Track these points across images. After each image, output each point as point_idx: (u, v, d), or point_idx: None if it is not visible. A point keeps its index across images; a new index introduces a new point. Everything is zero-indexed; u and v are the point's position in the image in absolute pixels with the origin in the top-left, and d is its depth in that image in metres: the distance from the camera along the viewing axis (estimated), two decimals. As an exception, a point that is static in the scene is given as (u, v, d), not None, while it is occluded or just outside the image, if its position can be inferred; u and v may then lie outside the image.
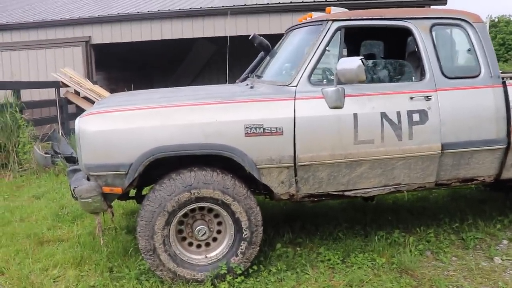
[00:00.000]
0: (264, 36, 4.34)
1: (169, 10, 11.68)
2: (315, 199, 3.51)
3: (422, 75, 3.53)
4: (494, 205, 4.76)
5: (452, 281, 3.34)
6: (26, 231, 4.45)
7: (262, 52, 4.39)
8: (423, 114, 3.40)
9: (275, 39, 4.35)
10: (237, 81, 4.52)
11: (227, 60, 5.35)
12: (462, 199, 5.13)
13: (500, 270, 3.49)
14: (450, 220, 4.35)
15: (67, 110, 9.90)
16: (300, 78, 3.33)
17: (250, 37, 4.20)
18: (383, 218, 4.47)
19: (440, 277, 3.39)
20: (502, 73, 4.06)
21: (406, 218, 4.47)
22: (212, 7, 11.49)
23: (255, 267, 3.42)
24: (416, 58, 3.60)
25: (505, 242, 3.98)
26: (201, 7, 11.56)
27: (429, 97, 3.44)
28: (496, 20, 43.77)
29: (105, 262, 3.63)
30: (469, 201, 5.02)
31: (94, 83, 11.01)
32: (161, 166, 3.23)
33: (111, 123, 3.17)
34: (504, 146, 3.59)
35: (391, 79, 3.67)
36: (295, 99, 3.25)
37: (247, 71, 4.50)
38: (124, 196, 3.71)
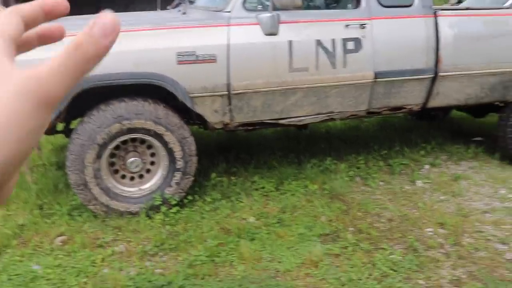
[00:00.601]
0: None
1: None
2: (250, 128, 3.51)
3: (358, 2, 3.50)
4: (419, 133, 5.02)
5: (379, 204, 3.54)
6: None
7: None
8: (358, 42, 3.41)
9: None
10: (168, 7, 4.28)
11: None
12: (391, 128, 5.36)
13: (421, 192, 3.74)
14: (379, 147, 4.53)
15: None
16: (235, 3, 3.20)
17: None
18: (316, 146, 4.59)
19: (368, 200, 3.57)
20: None
21: (338, 146, 4.60)
22: None
23: (190, 197, 3.41)
24: (352, -16, 3.55)
25: (427, 167, 4.24)
26: None
27: (364, 25, 3.44)
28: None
29: (35, 199, 3.47)
30: (397, 130, 5.26)
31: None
32: (90, 98, 3.06)
33: (35, 52, 2.90)
34: (432, 75, 3.71)
35: (327, 6, 3.62)
36: (229, 25, 3.14)
37: (179, -4, 4.26)
38: (51, 130, 3.51)
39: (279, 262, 2.78)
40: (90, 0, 14.99)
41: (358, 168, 4.14)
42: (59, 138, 4.56)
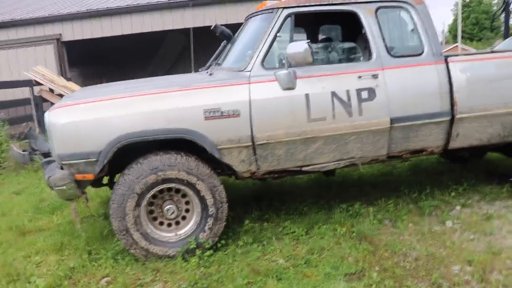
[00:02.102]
0: (232, 25, 4.53)
1: (137, 4, 11.76)
2: (275, 176, 3.77)
3: (369, 55, 3.79)
4: (452, 176, 5.06)
5: (406, 244, 3.60)
6: (8, 224, 4.63)
7: (225, 41, 4.60)
8: (371, 92, 3.66)
9: (239, 27, 4.55)
10: (200, 69, 4.73)
11: (191, 50, 5.54)
12: (423, 172, 5.42)
13: (450, 232, 3.78)
14: (409, 191, 4.62)
15: (42, 108, 9.97)
16: (254, 63, 3.57)
17: (211, 27, 4.41)
18: (347, 192, 4.74)
19: (395, 241, 3.65)
20: (476, 52, 4.28)
21: (368, 192, 4.74)
22: (179, -1, 11.61)
23: (223, 242, 3.66)
24: (364, 39, 3.85)
25: (458, 208, 4.26)
26: (168, 0, 11.67)
27: (376, 76, 3.70)
28: (468, 0, 44.30)
29: (84, 246, 3.85)
30: (429, 173, 5.32)
31: (68, 79, 11.09)
32: (130, 153, 3.45)
33: (79, 114, 3.37)
34: (449, 118, 3.87)
35: (341, 61, 3.92)
36: (250, 83, 3.49)
37: (211, 60, 4.71)
38: (97, 183, 3.94)
39: (304, 299, 2.93)
40: (140, 64, 15.92)
41: (387, 211, 4.23)
42: (106, 191, 5.01)
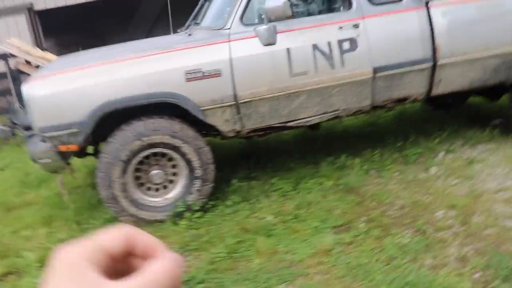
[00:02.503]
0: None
1: (111, -35, 11.34)
2: (261, 133, 3.75)
3: (349, 4, 3.71)
4: (436, 122, 5.08)
5: (392, 193, 3.66)
6: (-6, 201, 4.59)
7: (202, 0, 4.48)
8: (353, 42, 3.61)
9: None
10: (178, 30, 4.61)
11: (169, 10, 5.38)
12: (407, 121, 5.43)
13: (434, 179, 3.83)
14: (394, 140, 4.63)
15: (20, 81, 9.71)
16: (233, 20, 3.48)
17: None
18: (333, 145, 4.74)
19: (381, 191, 3.71)
20: None
21: (354, 143, 4.74)
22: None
23: (212, 203, 3.68)
24: (343, -12, 3.76)
25: (441, 154, 4.30)
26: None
27: (357, 25, 3.63)
28: None
29: (73, 216, 3.82)
30: (413, 122, 5.33)
31: (44, 50, 10.77)
32: (114, 121, 3.39)
33: (58, 85, 3.29)
34: (431, 64, 3.85)
35: (321, 12, 3.84)
36: (229, 41, 3.42)
37: (189, 20, 4.58)
38: (81, 153, 3.88)
39: (294, 253, 2.97)
40: (117, 30, 15.53)
41: (373, 161, 4.26)
42: (92, 161, 4.95)
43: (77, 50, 10.25)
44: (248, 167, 4.40)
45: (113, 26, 15.63)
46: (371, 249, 2.91)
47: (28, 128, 4.90)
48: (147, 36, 15.31)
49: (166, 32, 5.54)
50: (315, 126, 4.07)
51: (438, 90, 4.00)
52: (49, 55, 10.09)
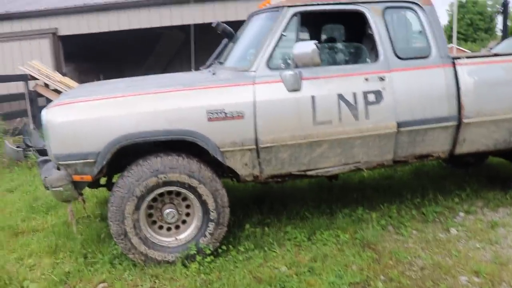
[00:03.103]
0: (232, 22, 4.43)
1: (136, -1, 11.63)
2: (279, 180, 3.66)
3: (376, 56, 3.70)
4: (454, 180, 4.99)
5: (411, 253, 3.53)
6: (0, 224, 4.50)
7: (226, 39, 4.50)
8: (378, 94, 3.57)
9: (241, 24, 4.44)
10: (201, 68, 4.61)
11: (192, 48, 5.43)
12: (425, 176, 5.35)
13: (455, 240, 3.71)
14: (412, 196, 4.55)
15: (37, 103, 9.82)
16: (259, 63, 3.46)
17: (213, 24, 4.30)
18: (349, 196, 4.66)
19: (400, 249, 3.57)
20: (471, 53, 4.24)
21: (370, 196, 4.66)
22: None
23: (224, 247, 3.56)
24: (371, 40, 3.75)
25: (461, 214, 4.20)
26: (167, -5, 11.54)
27: (383, 78, 3.60)
28: (464, 0, 44.34)
29: (80, 249, 3.73)
30: (431, 178, 5.25)
31: (64, 75, 10.92)
32: (129, 154, 3.33)
33: (78, 113, 3.25)
34: (456, 123, 3.79)
35: (347, 62, 3.82)
36: (254, 84, 3.38)
37: (211, 58, 4.60)
38: (95, 184, 3.82)
39: (308, 309, 2.84)
40: (136, 60, 15.76)
41: (390, 217, 4.15)
42: (103, 192, 4.89)
43: (96, 77, 10.39)
44: (261, 212, 4.29)
45: (132, 57, 15.92)
46: (390, 312, 2.77)
47: (41, 151, 4.87)
48: (164, 70, 15.60)
49: (183, 68, 5.58)
50: (333, 177, 3.99)
51: (462, 149, 3.92)
52: (67, 80, 10.23)
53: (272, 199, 4.63)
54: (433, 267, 3.30)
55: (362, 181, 5.28)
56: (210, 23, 4.36)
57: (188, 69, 5.60)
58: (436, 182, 5.00)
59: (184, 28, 12.41)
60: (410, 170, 5.59)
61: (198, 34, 11.14)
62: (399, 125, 3.64)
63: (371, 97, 3.54)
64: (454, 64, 3.78)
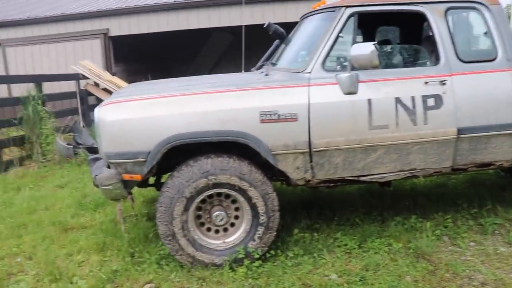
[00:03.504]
0: (280, 24, 4.36)
1: (185, 0, 11.75)
2: (331, 185, 3.55)
3: (437, 59, 3.52)
4: (514, 191, 4.72)
5: (469, 266, 3.35)
6: (51, 219, 4.60)
7: (278, 40, 4.43)
8: (438, 99, 3.39)
9: (291, 27, 4.37)
10: (252, 69, 4.56)
11: (243, 49, 5.39)
12: (481, 185, 5.09)
13: (519, 255, 3.49)
14: (468, 205, 4.32)
15: (87, 102, 10.07)
16: (314, 64, 3.36)
17: (265, 25, 4.23)
18: (401, 203, 4.48)
19: (457, 261, 3.40)
20: None
21: (423, 204, 4.46)
22: (227, -4, 11.52)
23: (272, 252, 3.48)
24: (431, 42, 3.58)
25: (524, 227, 3.96)
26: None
27: (444, 82, 3.43)
28: (519, 3, 42.41)
29: (127, 247, 3.74)
30: (488, 187, 4.98)
31: (113, 74, 11.17)
32: (179, 153, 3.31)
33: (129, 112, 3.25)
34: (522, 130, 3.56)
35: (405, 64, 3.67)
36: (309, 86, 3.29)
37: (262, 59, 4.54)
38: (143, 183, 3.82)
39: (361, 321, 2.72)
40: (183, 62, 15.94)
41: (445, 227, 3.96)
42: (150, 191, 4.91)
43: (144, 78, 10.55)
44: (310, 217, 4.18)
45: (179, 58, 16.15)
46: (450, 330, 2.60)
47: (90, 149, 4.95)
48: (210, 72, 15.71)
49: (229, 70, 5.55)
50: (386, 183, 3.83)
51: (527, 158, 3.68)
52: (117, 80, 10.44)
53: (321, 204, 4.51)
54: (496, 283, 3.11)
55: (414, 188, 5.08)
56: (258, 25, 4.29)
57: (235, 70, 5.57)
58: (495, 192, 4.73)
59: (232, 29, 12.45)
60: (464, 179, 5.33)
61: (247, 36, 11.12)
62: (460, 131, 3.45)
63: (431, 102, 3.37)
64: (522, 68, 3.54)
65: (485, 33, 3.61)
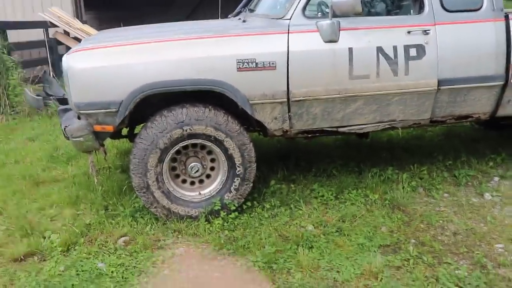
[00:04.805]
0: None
1: None
2: (309, 135, 3.50)
3: (420, 8, 3.41)
4: (488, 144, 4.76)
5: (443, 216, 3.40)
6: (22, 173, 4.44)
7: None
8: (420, 49, 3.31)
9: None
10: (229, 16, 4.38)
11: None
12: (457, 138, 5.13)
13: (490, 206, 3.55)
14: (443, 158, 4.36)
15: (57, 51, 9.64)
16: (294, 10, 3.21)
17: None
18: (378, 155, 4.49)
19: (431, 212, 3.46)
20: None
21: (400, 156, 4.48)
22: None
23: (249, 203, 3.45)
24: (415, -11, 3.46)
25: (496, 179, 4.02)
26: None
27: (427, 31, 3.34)
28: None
29: (100, 200, 3.65)
30: (463, 140, 5.02)
31: (84, 22, 10.68)
32: (153, 103, 3.18)
33: (100, 60, 3.09)
34: (502, 82, 3.53)
35: (388, 13, 3.55)
36: (288, 33, 3.16)
37: (240, 5, 4.35)
38: (116, 134, 3.70)
39: (338, 271, 2.74)
40: (158, 10, 15.46)
41: (421, 178, 4.00)
42: (124, 143, 4.79)
43: (118, 26, 10.14)
44: (287, 168, 4.15)
45: (154, 6, 15.55)
46: (425, 278, 2.65)
47: (61, 100, 4.76)
48: (187, 18, 15.22)
49: (207, 18, 5.33)
50: (364, 135, 3.80)
51: (504, 111, 3.69)
52: (88, 28, 10.00)
53: (298, 155, 4.48)
54: (467, 233, 3.18)
55: (391, 140, 5.08)
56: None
57: (214, 16, 5.34)
58: (469, 145, 4.78)
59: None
60: (440, 131, 5.36)
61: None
62: (440, 83, 3.40)
63: (413, 52, 3.29)
64: (507, 19, 3.46)
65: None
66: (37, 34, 10.13)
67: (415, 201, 3.64)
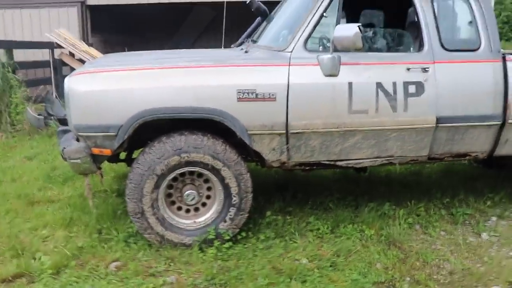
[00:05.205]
0: (264, 1, 4.23)
1: (168, -28, 11.42)
2: (307, 168, 3.50)
3: (420, 46, 3.46)
4: (486, 182, 4.74)
5: (439, 255, 3.36)
6: (17, 192, 4.43)
7: (260, 18, 4.31)
8: (420, 86, 3.35)
9: (274, 5, 4.24)
10: (232, 45, 4.44)
11: (223, 25, 5.25)
12: (455, 175, 5.12)
13: (487, 246, 3.51)
14: (441, 195, 4.34)
15: (62, 72, 9.75)
16: (296, 43, 3.26)
17: (247, 2, 4.11)
18: (375, 190, 4.47)
19: (427, 250, 3.41)
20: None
21: (397, 191, 4.46)
22: (211, -29, 11.21)
23: (243, 234, 3.42)
24: (415, 28, 3.51)
25: (493, 218, 3.99)
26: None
27: (427, 69, 3.37)
28: (501, -3, 42.99)
29: (94, 223, 3.62)
30: (462, 177, 5.01)
31: (90, 45, 10.83)
32: (152, 129, 3.19)
33: (102, 83, 3.12)
34: (500, 122, 3.56)
35: (389, 49, 3.60)
36: (289, 65, 3.19)
37: (243, 36, 4.42)
38: (114, 158, 3.70)
39: (330, 307, 2.69)
40: (163, 36, 15.65)
41: (418, 215, 3.97)
42: (122, 167, 4.78)
43: (121, 50, 10.25)
44: (284, 199, 4.13)
45: (159, 33, 15.75)
46: (419, 319, 2.60)
47: (62, 121, 4.78)
48: (191, 47, 15.40)
49: (210, 46, 5.40)
50: (363, 169, 3.79)
51: (502, 150, 3.70)
52: (93, 51, 10.12)
53: (296, 187, 4.46)
54: (463, 273, 3.13)
55: (389, 175, 5.08)
56: (241, 1, 4.16)
57: (215, 47, 5.41)
58: (467, 183, 4.76)
59: (214, 5, 12.17)
60: (439, 168, 5.36)
61: (229, 12, 10.88)
62: (439, 120, 3.42)
63: (412, 88, 3.32)
64: (504, 60, 3.52)
65: (470, 22, 3.56)
66: (42, 55, 10.26)
67: (412, 238, 3.60)
